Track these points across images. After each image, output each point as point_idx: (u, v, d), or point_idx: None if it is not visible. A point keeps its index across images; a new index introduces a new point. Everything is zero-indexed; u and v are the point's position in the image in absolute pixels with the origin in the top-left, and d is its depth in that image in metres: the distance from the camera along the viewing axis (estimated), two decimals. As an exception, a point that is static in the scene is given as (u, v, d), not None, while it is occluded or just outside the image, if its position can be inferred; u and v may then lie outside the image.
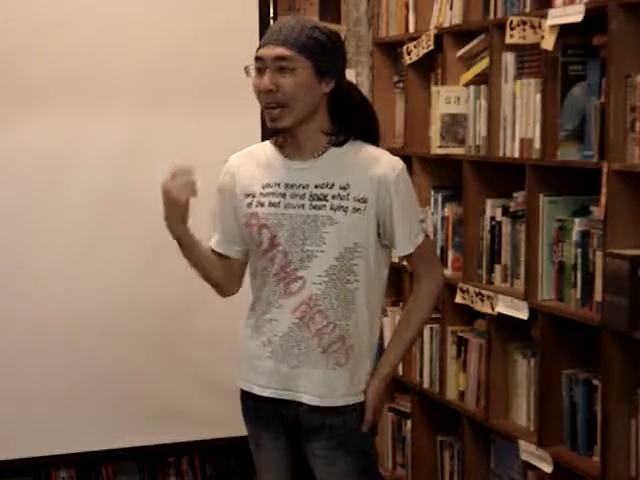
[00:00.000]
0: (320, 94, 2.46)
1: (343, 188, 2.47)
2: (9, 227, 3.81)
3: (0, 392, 3.84)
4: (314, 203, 2.47)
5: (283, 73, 2.41)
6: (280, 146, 2.55)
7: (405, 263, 2.67)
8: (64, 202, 3.85)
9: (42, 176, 3.82)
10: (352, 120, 2.52)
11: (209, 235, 2.65)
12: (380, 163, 2.49)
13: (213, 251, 2.64)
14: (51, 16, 3.78)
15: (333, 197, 2.46)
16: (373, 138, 2.57)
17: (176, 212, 2.47)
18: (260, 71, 2.44)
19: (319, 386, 2.50)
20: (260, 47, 2.46)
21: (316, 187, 2.48)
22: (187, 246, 2.55)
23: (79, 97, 3.83)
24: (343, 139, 2.51)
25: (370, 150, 2.52)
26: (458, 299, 3.55)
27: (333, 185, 2.47)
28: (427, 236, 2.58)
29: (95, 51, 3.83)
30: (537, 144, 3.14)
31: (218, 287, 2.68)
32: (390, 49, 4.15)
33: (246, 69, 2.46)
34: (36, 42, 3.77)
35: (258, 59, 2.44)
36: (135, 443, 4.02)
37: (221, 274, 2.65)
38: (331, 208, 2.46)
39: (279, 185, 2.51)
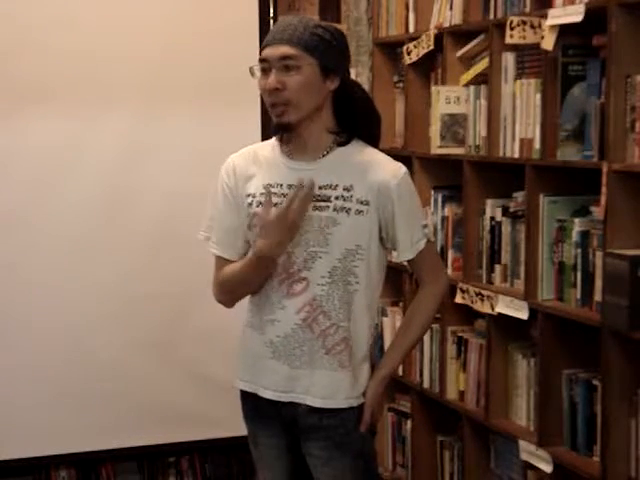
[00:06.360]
0: (325, 92, 2.46)
1: (347, 189, 2.46)
2: (10, 226, 3.81)
3: (0, 392, 3.84)
4: (317, 204, 2.45)
5: (289, 72, 2.40)
6: (283, 145, 2.53)
7: (405, 263, 2.66)
8: (64, 201, 3.85)
9: (43, 175, 3.83)
10: (356, 119, 2.52)
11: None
12: (382, 169, 2.48)
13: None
14: (51, 16, 3.79)
15: (336, 198, 2.46)
16: (373, 138, 2.57)
17: (294, 235, 2.43)
18: (265, 71, 2.43)
19: (322, 388, 2.49)
20: (264, 47, 2.44)
21: (320, 188, 2.46)
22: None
23: (79, 97, 3.83)
24: (347, 138, 2.51)
25: (373, 154, 2.52)
26: (458, 299, 3.55)
27: (337, 186, 2.47)
28: (430, 241, 2.57)
29: (96, 51, 3.84)
30: (537, 144, 3.14)
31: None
32: (390, 49, 4.14)
33: (251, 70, 2.45)
34: (36, 41, 3.77)
35: (263, 60, 2.43)
36: (135, 443, 4.03)
37: None
38: (334, 209, 2.45)
39: (282, 186, 2.50)
